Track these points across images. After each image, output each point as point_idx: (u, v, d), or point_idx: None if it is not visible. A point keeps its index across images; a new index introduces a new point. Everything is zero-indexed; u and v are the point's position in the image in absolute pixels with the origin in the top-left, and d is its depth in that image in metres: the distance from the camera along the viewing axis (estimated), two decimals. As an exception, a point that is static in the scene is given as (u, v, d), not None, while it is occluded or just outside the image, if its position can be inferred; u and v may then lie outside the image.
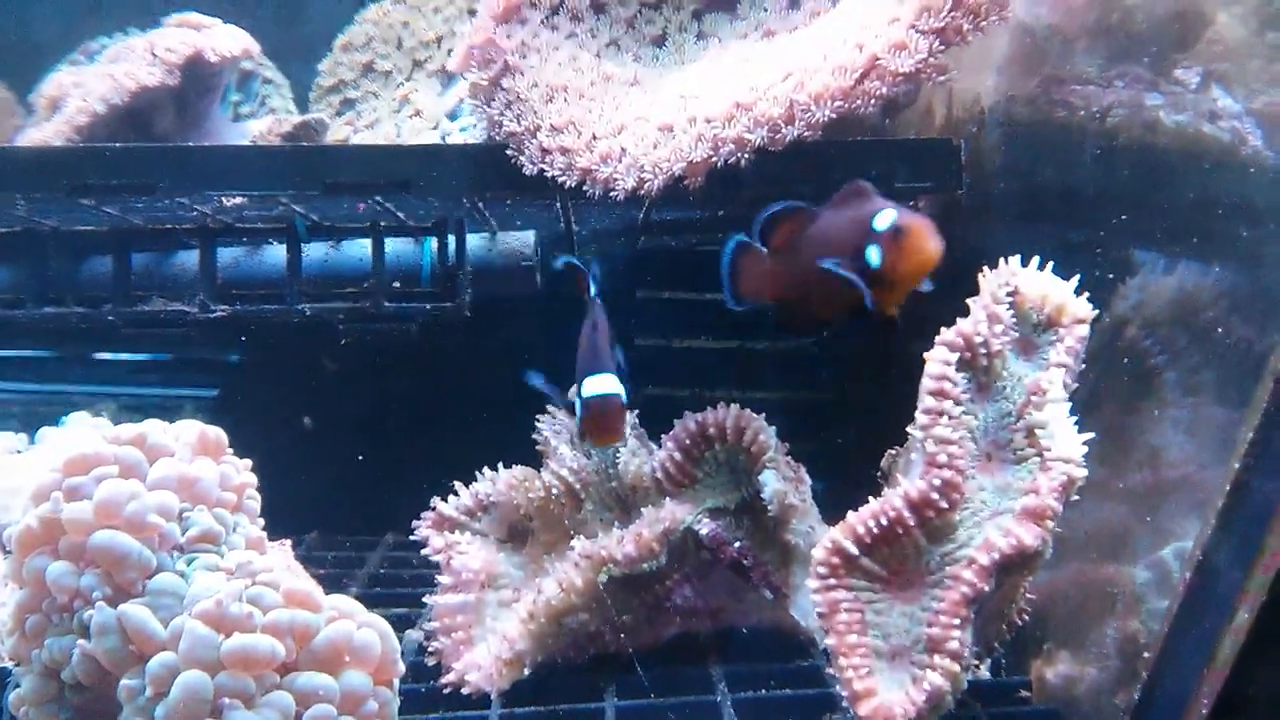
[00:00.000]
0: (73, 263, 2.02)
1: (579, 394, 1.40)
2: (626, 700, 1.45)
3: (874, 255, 1.23)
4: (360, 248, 2.13)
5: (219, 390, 2.47)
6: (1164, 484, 1.27)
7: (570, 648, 1.51)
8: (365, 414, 2.28)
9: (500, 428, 1.73)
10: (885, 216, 1.23)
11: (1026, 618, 1.38)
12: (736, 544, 1.53)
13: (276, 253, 2.14)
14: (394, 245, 2.06)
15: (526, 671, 1.47)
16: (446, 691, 1.48)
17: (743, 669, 1.53)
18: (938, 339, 1.25)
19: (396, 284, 2.05)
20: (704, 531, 1.52)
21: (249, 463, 1.41)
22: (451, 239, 2.03)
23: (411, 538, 2.07)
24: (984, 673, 1.49)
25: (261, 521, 1.40)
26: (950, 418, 1.22)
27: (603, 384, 1.37)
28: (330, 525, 2.23)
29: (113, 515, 1.26)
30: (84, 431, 1.63)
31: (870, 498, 1.24)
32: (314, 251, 2.11)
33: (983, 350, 1.25)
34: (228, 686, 1.18)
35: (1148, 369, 1.28)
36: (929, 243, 1.20)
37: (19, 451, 1.60)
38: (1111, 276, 1.31)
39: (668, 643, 1.61)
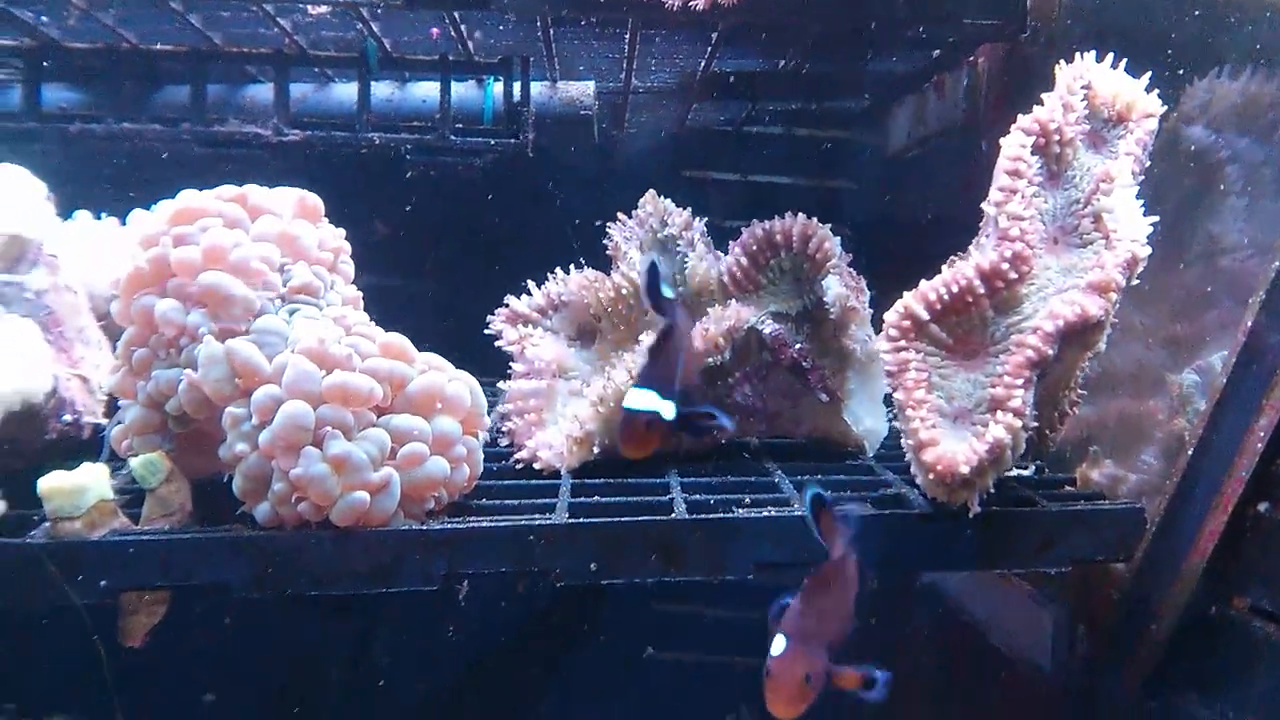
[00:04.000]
0: (150, 87, 2.08)
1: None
2: (689, 477, 1.51)
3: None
4: (424, 90, 2.19)
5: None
6: (1219, 274, 1.33)
7: (635, 437, 1.58)
8: (419, 253, 2.33)
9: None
10: (777, 644, 1.09)
11: (1077, 409, 1.45)
12: (797, 345, 1.59)
13: (343, 91, 2.20)
14: (457, 90, 2.11)
15: (595, 451, 1.54)
16: (519, 468, 1.55)
17: (796, 464, 1.60)
18: (1014, 125, 1.31)
19: (459, 125, 2.10)
20: (767, 331, 1.58)
21: (343, 231, 1.47)
22: (516, 84, 2.09)
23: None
24: (1028, 473, 1.56)
25: (354, 286, 1.47)
26: (1023, 195, 1.28)
27: (641, 399, 1.27)
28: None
29: (219, 259, 1.32)
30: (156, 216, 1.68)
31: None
32: (379, 91, 2.16)
33: (1056, 137, 1.31)
34: (328, 418, 1.25)
35: (1211, 163, 1.34)
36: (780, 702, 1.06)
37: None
38: (1181, 72, 1.36)
39: (724, 447, 1.68)
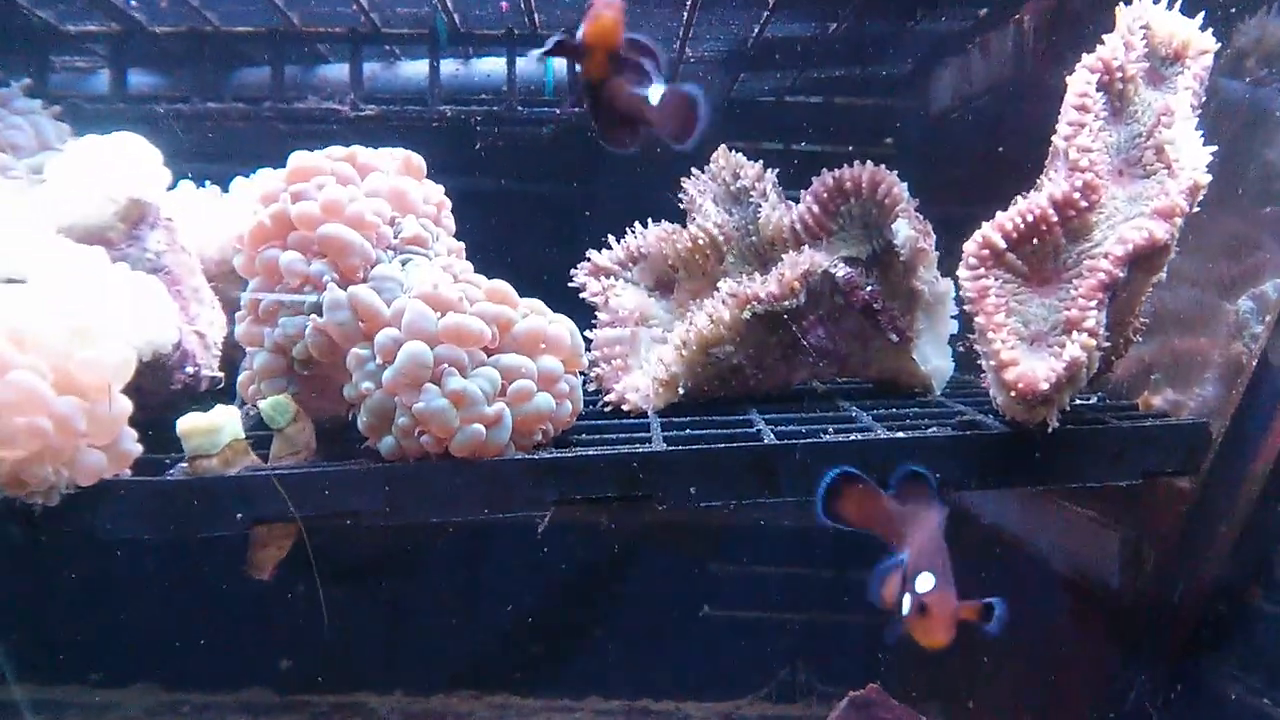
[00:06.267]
0: (230, 68, 2.18)
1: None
2: (770, 414, 1.60)
3: (905, 606, 1.13)
4: (487, 65, 2.29)
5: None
6: (1273, 194, 1.41)
7: (715, 378, 1.67)
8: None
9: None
10: (924, 581, 1.13)
11: (1140, 338, 1.53)
12: (868, 288, 1.68)
13: (409, 69, 2.30)
14: (519, 64, 2.20)
15: (680, 393, 1.63)
16: (607, 410, 1.64)
17: (868, 402, 1.68)
18: (1079, 64, 1.39)
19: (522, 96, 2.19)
20: (840, 274, 1.67)
21: (443, 187, 1.56)
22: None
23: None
24: (1093, 402, 1.64)
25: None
26: (1090, 129, 1.36)
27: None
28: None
29: (337, 213, 1.42)
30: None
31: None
32: (445, 68, 2.25)
33: (1119, 74, 1.39)
34: (445, 356, 1.35)
35: (1264, 94, 1.41)
36: (939, 631, 1.11)
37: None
38: (1234, 11, 1.44)
39: (797, 390, 1.77)
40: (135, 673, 2.61)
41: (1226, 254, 1.50)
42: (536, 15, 2.07)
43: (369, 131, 2.13)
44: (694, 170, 1.79)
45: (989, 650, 2.06)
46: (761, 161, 1.78)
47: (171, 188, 1.76)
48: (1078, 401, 1.59)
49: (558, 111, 2.15)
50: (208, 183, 1.78)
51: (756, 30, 2.15)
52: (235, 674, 2.60)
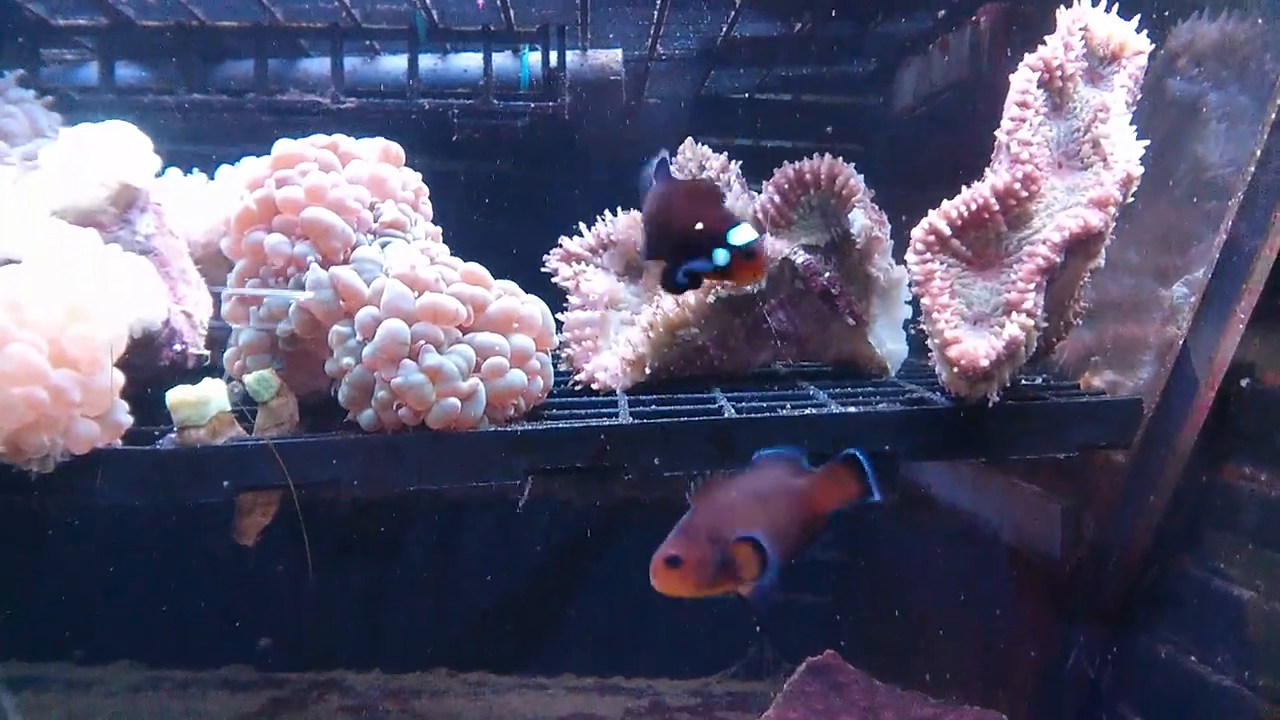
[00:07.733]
0: (215, 61, 2.24)
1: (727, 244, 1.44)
2: (732, 392, 1.68)
3: None
4: (464, 60, 2.36)
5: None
6: (1205, 187, 1.50)
7: (681, 359, 1.76)
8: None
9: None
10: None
11: (1081, 323, 1.62)
12: (826, 274, 1.76)
13: (388, 63, 2.37)
14: (495, 58, 2.28)
15: (647, 372, 1.71)
16: (578, 389, 1.72)
17: (826, 382, 1.77)
18: (1022, 63, 1.48)
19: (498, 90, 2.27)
20: (799, 260, 1.75)
21: (420, 174, 1.64)
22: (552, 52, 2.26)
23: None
24: (1038, 382, 1.73)
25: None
26: (1031, 124, 1.45)
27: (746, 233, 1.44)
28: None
29: (319, 197, 1.49)
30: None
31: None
32: (423, 63, 2.32)
33: (1059, 73, 1.48)
34: (422, 333, 1.42)
35: (1195, 93, 1.51)
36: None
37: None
38: (1167, 14, 1.54)
39: (760, 373, 1.85)
40: (117, 650, 2.67)
41: (1162, 244, 1.59)
42: (512, 12, 2.14)
43: (349, 123, 2.19)
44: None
45: (945, 619, 2.15)
46: (727, 154, 1.86)
47: (160, 174, 1.83)
48: (1023, 381, 1.69)
49: (532, 105, 2.23)
50: (195, 170, 1.85)
51: (724, 29, 2.23)
52: (216, 651, 2.66)
